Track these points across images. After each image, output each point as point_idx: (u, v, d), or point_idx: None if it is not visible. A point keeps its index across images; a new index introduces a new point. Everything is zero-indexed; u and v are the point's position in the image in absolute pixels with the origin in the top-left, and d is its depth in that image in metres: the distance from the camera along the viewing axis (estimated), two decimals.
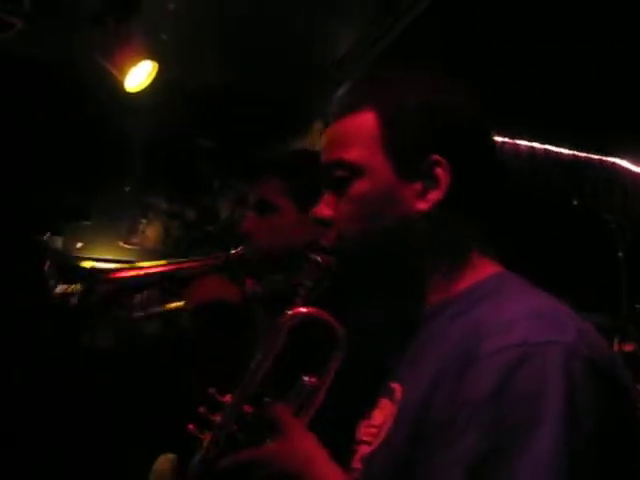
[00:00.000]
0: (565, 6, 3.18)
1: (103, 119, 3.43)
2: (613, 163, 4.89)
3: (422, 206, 0.94)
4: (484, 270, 0.95)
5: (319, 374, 1.00)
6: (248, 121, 4.00)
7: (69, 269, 1.49)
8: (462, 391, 0.76)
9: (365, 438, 0.93)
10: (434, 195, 0.94)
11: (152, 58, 3.15)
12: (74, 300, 1.35)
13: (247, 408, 0.96)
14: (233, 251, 1.62)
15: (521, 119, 4.35)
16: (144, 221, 3.69)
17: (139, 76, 3.07)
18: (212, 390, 1.01)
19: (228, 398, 0.99)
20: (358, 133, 0.97)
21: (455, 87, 0.99)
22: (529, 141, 4.66)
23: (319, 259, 0.99)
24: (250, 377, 0.98)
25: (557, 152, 4.73)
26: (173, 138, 3.82)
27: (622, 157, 4.85)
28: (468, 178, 0.95)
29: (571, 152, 4.75)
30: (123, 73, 3.03)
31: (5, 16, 2.96)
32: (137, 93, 3.18)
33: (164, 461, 3.61)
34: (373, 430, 0.91)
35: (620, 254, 3.27)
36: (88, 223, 3.71)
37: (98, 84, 3.24)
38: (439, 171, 0.94)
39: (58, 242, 3.49)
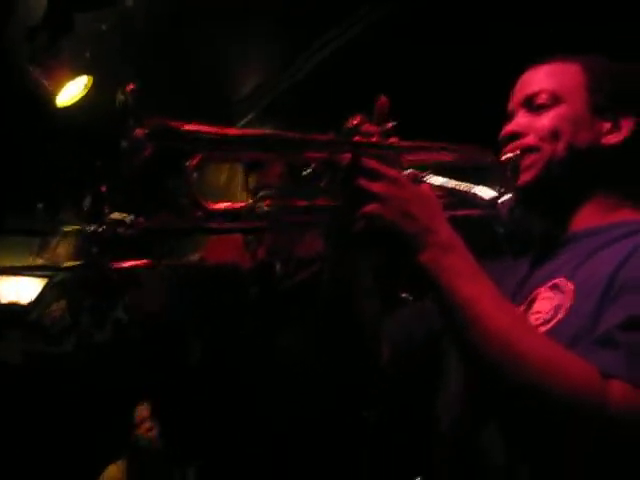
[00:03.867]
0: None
1: (23, 134, 3.47)
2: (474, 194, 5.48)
3: (609, 140, 1.20)
4: (637, 215, 1.19)
5: None
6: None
7: None
8: None
9: (533, 322, 1.08)
10: (614, 137, 1.20)
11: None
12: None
13: None
14: None
15: None
16: (56, 237, 3.70)
17: (72, 91, 3.19)
18: None
19: None
20: (563, 74, 1.25)
21: None
22: None
23: (514, 154, 1.21)
24: None
25: None
26: (86, 157, 3.89)
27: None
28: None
29: None
30: (58, 87, 3.13)
31: None
32: (61, 111, 3.29)
33: (114, 469, 3.63)
34: (542, 315, 1.08)
35: None
36: None
37: (23, 99, 3.30)
38: (625, 121, 1.21)
39: None
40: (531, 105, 1.24)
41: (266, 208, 1.04)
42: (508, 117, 1.29)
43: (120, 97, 0.98)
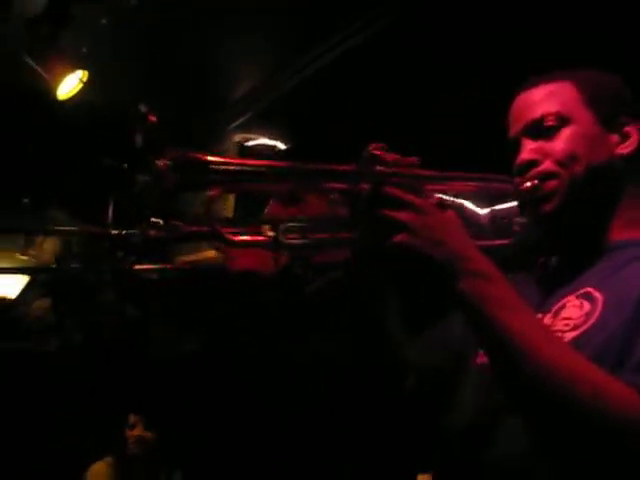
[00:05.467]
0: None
1: (16, 127, 3.40)
2: (461, 204, 5.55)
3: (622, 151, 1.19)
4: None
5: None
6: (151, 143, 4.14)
7: None
8: None
9: (561, 328, 1.09)
10: (627, 148, 1.19)
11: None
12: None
13: None
14: None
15: None
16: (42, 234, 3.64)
17: (70, 85, 3.14)
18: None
19: None
20: (560, 93, 1.22)
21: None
22: None
23: (532, 184, 1.18)
24: None
25: None
26: (78, 153, 3.84)
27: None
28: None
29: None
30: (56, 81, 3.08)
31: None
32: (58, 106, 3.24)
33: (101, 466, 3.59)
34: (572, 320, 1.09)
35: None
36: None
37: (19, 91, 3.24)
38: (630, 129, 1.20)
39: None
40: (538, 130, 1.21)
41: (289, 241, 1.03)
42: (512, 147, 1.26)
43: (139, 128, 0.96)
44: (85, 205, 3.85)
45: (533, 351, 0.95)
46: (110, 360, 3.86)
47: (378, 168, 1.06)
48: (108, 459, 3.63)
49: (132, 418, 3.67)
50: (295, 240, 1.04)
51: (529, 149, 1.21)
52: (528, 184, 1.19)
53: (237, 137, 4.50)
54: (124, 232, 1.16)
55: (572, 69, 1.26)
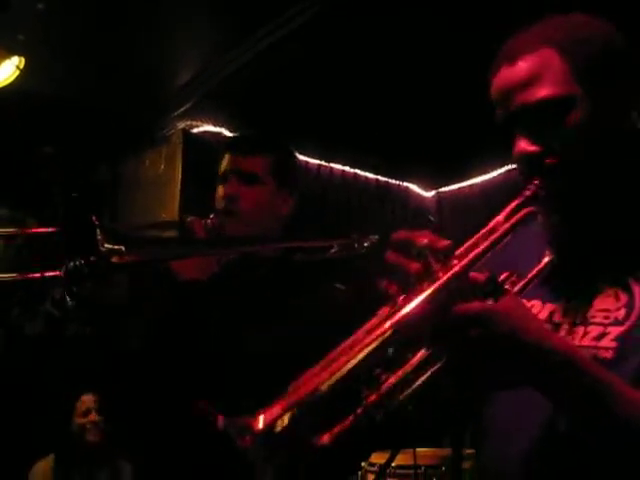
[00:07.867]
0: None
1: None
2: (407, 187, 5.65)
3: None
4: None
5: None
6: (90, 134, 4.07)
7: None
8: None
9: (601, 320, 1.03)
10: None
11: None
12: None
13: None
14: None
15: (336, 146, 4.94)
16: None
17: (4, 72, 3.03)
18: None
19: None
20: (546, 69, 1.05)
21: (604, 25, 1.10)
22: (342, 165, 5.24)
23: (539, 182, 1.05)
24: None
25: (364, 176, 5.36)
26: (14, 144, 3.72)
27: (413, 182, 5.62)
28: None
29: (374, 177, 5.41)
30: None
31: None
32: None
33: (43, 463, 3.52)
34: (612, 313, 1.03)
35: None
36: None
37: None
38: (622, 84, 1.06)
39: None
40: (532, 117, 1.07)
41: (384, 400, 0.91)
42: (504, 127, 1.11)
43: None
44: (26, 198, 3.74)
45: (628, 409, 0.91)
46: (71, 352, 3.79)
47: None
48: (50, 458, 3.57)
49: (85, 405, 3.61)
50: (388, 392, 0.91)
51: (526, 139, 1.08)
52: (536, 182, 1.07)
53: (181, 124, 4.45)
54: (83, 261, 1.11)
55: (549, 24, 1.11)
